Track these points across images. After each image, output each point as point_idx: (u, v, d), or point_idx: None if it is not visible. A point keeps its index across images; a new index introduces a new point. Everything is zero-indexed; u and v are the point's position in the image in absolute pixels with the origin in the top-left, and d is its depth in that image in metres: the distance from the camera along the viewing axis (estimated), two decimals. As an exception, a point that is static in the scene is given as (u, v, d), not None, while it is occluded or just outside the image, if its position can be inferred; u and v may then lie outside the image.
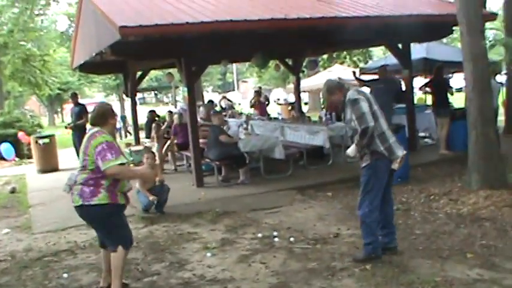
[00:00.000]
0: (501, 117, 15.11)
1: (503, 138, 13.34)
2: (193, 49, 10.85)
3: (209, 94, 62.17)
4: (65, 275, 6.70)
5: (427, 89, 14.11)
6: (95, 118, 5.74)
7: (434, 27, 13.03)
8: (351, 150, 6.26)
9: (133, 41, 10.06)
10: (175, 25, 9.97)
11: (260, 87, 22.98)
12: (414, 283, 5.58)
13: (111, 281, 5.79)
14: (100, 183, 5.51)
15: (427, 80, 15.09)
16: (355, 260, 6.36)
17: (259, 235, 7.78)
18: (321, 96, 10.79)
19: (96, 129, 5.66)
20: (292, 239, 7.49)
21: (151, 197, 9.32)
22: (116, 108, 53.79)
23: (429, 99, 15.75)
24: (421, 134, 15.02)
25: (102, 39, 11.45)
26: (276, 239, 7.54)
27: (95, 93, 65.53)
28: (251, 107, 21.53)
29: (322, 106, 19.63)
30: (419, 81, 18.91)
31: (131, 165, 13.53)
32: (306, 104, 20.85)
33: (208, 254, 7.12)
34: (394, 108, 13.89)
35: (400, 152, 6.25)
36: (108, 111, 5.77)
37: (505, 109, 16.20)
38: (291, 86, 25.28)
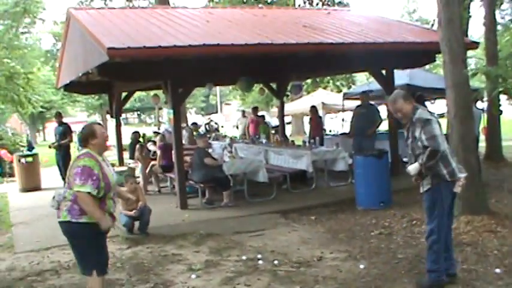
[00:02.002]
0: (482, 144, 15.31)
1: (483, 165, 13.52)
2: (179, 72, 10.97)
3: (192, 116, 62.19)
4: (49, 295, 6.70)
5: None
6: (79, 141, 5.76)
7: (417, 55, 13.25)
8: (413, 168, 6.09)
9: (120, 62, 10.14)
10: (163, 48, 10.06)
11: (257, 107, 23.01)
12: (396, 307, 5.66)
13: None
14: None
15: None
16: (418, 285, 6.26)
17: (244, 257, 7.83)
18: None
19: (84, 150, 5.68)
20: (276, 261, 7.54)
21: (131, 212, 9.39)
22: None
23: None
24: (404, 160, 15.13)
25: (89, 59, 11.52)
26: (260, 262, 7.59)
27: (78, 113, 65.24)
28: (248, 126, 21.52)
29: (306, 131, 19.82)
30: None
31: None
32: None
33: (193, 276, 7.15)
34: (378, 134, 14.09)
35: (462, 174, 6.14)
36: (89, 132, 5.72)
37: (485, 136, 16.41)
38: (275, 109, 25.40)
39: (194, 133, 16.12)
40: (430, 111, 6.19)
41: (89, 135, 5.69)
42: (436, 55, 13.44)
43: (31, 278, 7.50)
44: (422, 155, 5.96)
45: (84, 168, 5.45)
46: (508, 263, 6.90)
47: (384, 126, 14.64)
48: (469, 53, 12.60)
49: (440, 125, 6.02)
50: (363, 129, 13.93)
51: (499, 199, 10.57)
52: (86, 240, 5.62)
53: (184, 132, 15.70)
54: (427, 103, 15.48)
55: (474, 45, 13.58)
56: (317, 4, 29.15)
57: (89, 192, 5.39)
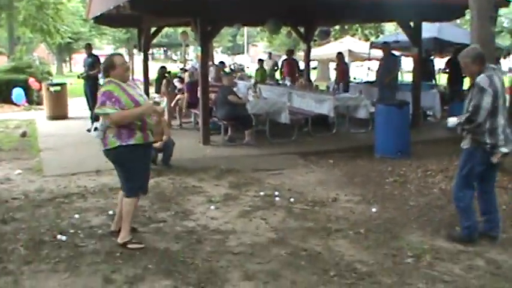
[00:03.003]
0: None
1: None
2: (209, 9, 11.07)
3: (218, 55, 62.14)
4: (76, 216, 7.09)
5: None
6: (102, 71, 6.24)
7: (447, 8, 13.18)
8: (451, 121, 6.12)
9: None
10: (195, -16, 10.19)
11: (292, 50, 23.17)
12: (403, 248, 5.96)
13: (121, 225, 6.18)
14: (134, 123, 5.86)
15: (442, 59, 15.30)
16: (449, 236, 6.36)
17: (261, 193, 8.16)
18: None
19: (106, 79, 6.06)
20: (292, 199, 7.86)
21: (156, 144, 9.69)
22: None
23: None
24: (428, 112, 15.21)
25: (122, -8, 11.63)
26: (277, 199, 7.91)
27: (105, 45, 65.41)
28: (281, 68, 21.76)
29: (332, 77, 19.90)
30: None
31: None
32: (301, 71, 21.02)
33: (212, 207, 7.50)
34: (398, 85, 14.18)
35: (505, 149, 5.98)
36: (109, 64, 6.01)
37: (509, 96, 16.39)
38: (301, 53, 25.43)
39: (221, 72, 16.32)
40: (492, 79, 5.84)
41: (109, 67, 6.02)
42: (466, 10, 13.36)
43: (59, 199, 7.90)
44: (463, 115, 5.98)
45: (105, 93, 5.83)
46: (516, 217, 7.12)
47: (408, 78, 14.69)
48: (502, 11, 12.47)
49: (497, 98, 5.82)
50: (381, 79, 14.08)
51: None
52: (135, 163, 6.00)
53: (211, 69, 15.91)
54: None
55: (505, 3, 13.43)
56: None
57: (108, 113, 5.74)
